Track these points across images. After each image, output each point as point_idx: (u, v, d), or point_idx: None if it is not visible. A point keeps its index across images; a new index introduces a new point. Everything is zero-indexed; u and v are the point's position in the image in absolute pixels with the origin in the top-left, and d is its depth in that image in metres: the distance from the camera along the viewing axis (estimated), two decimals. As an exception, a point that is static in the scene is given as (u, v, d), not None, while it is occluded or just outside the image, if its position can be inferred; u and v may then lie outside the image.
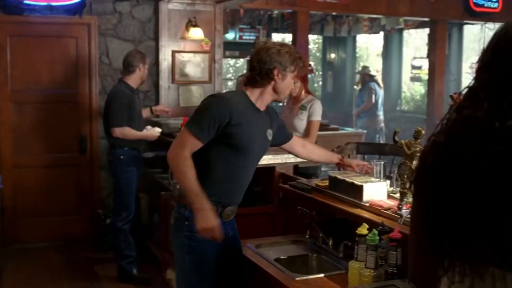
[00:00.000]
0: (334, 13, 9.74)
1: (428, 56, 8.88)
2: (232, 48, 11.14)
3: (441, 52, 8.54)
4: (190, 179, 2.75)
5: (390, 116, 10.81)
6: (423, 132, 2.84)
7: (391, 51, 11.69)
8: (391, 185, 3.24)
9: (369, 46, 13.03)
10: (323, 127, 6.17)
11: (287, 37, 11.45)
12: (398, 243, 2.49)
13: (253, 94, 2.93)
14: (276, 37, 12.23)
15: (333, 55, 12.67)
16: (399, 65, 11.62)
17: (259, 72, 2.87)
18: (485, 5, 8.19)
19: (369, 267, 2.53)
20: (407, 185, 2.77)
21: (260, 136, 2.96)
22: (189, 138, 2.77)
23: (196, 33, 6.38)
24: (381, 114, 9.71)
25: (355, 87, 11.25)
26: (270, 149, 3.18)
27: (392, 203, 2.94)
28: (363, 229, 2.62)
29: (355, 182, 3.12)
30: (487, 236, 0.96)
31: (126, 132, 5.01)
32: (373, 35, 11.73)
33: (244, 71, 11.15)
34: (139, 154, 5.27)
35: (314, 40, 13.15)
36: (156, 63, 6.39)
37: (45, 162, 6.13)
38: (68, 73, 6.14)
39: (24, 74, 6.02)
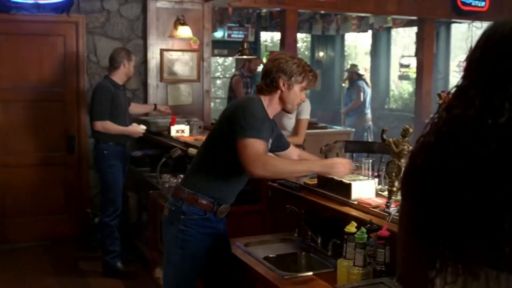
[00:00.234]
0: (322, 12, 9.76)
1: (416, 54, 8.90)
2: (221, 47, 11.14)
3: (429, 50, 8.57)
4: (295, 164, 3.02)
5: (378, 114, 10.84)
6: (411, 130, 2.86)
7: (380, 50, 11.73)
8: (379, 183, 3.26)
9: (357, 45, 13.04)
10: (311, 125, 6.18)
11: (276, 36, 11.45)
12: (387, 241, 2.50)
13: (264, 102, 2.98)
14: (265, 35, 12.22)
15: (321, 54, 12.69)
16: (387, 63, 11.66)
17: (265, 81, 2.97)
18: (473, 4, 8.23)
19: (357, 265, 2.54)
20: (395, 183, 2.78)
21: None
22: (260, 144, 2.74)
23: (185, 31, 6.36)
24: (369, 113, 9.74)
25: (342, 84, 11.26)
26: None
27: (380, 201, 2.95)
28: (351, 227, 2.62)
29: (344, 180, 3.13)
30: (482, 236, 0.95)
31: (107, 126, 5.02)
32: (361, 33, 11.76)
33: (233, 70, 11.15)
34: (124, 149, 5.26)
35: (302, 39, 13.15)
36: (144, 62, 6.37)
37: (33, 161, 6.09)
38: (56, 72, 6.10)
39: (12, 73, 5.97)
